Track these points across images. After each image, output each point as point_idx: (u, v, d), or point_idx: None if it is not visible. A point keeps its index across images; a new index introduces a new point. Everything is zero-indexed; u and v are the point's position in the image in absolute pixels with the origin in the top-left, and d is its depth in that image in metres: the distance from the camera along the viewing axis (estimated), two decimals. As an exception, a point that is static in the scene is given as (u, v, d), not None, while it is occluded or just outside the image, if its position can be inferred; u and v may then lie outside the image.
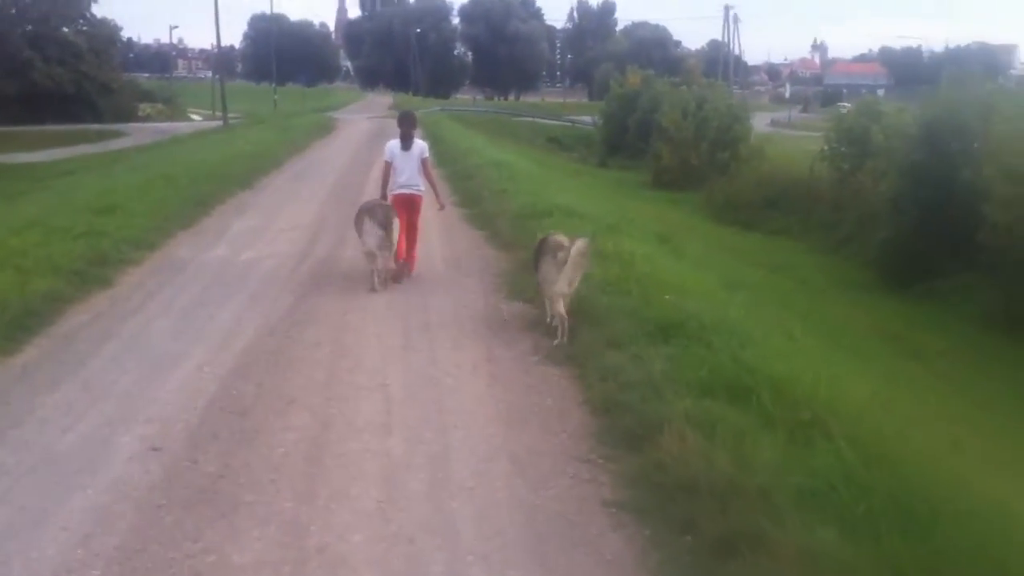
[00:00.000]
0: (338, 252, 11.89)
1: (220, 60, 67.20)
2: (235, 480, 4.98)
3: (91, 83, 66.98)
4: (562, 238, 8.05)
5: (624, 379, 6.37)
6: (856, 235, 29.25)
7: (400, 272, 10.34)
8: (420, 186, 10.67)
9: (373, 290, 9.74)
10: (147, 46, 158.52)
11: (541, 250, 8.08)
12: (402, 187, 10.52)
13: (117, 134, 54.69)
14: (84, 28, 69.12)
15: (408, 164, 10.51)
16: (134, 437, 5.54)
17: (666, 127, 45.57)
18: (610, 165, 55.78)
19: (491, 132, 54.66)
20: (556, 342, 7.74)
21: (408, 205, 10.55)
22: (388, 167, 10.58)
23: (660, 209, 36.40)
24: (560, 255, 7.71)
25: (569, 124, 78.73)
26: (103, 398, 6.22)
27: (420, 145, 10.73)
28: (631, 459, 5.26)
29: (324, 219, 14.52)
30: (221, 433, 5.63)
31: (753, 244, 31.00)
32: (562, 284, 7.71)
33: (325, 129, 40.46)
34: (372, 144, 29.16)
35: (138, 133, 53.87)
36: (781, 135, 58.31)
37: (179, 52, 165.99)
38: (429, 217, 12.94)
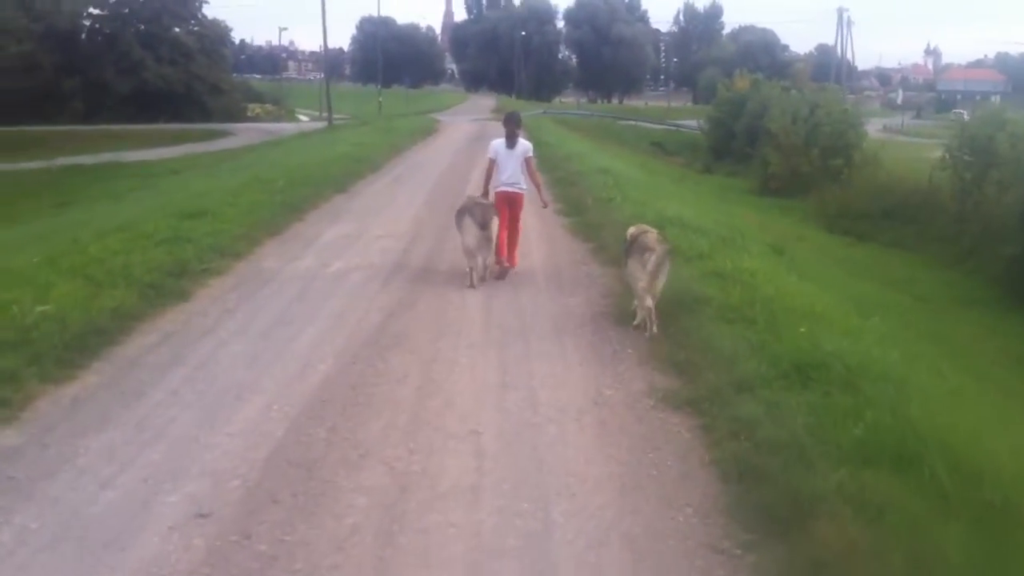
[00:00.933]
0: (433, 264, 11.06)
1: (328, 62, 66.97)
2: (290, 565, 4.11)
3: (201, 83, 68.29)
4: (652, 238, 8.44)
5: (760, 436, 5.34)
6: (978, 249, 27.43)
7: (502, 271, 10.46)
8: (522, 184, 10.84)
9: (471, 287, 9.85)
10: (259, 48, 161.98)
11: (631, 249, 8.48)
12: (504, 184, 10.73)
13: (224, 134, 55.30)
14: (195, 29, 70.47)
15: (511, 162, 10.71)
16: (181, 496, 4.72)
17: (775, 132, 43.91)
18: (715, 171, 54.25)
19: (595, 136, 53.76)
20: (647, 335, 7.98)
21: (510, 202, 10.76)
22: (492, 164, 10.79)
23: (769, 217, 34.93)
24: (647, 256, 8.11)
25: (673, 128, 77.24)
26: (155, 442, 5.42)
27: (524, 145, 10.94)
28: (777, 550, 4.23)
29: (420, 226, 13.75)
30: (282, 495, 4.75)
31: (867, 256, 29.49)
32: (647, 284, 8.06)
33: (427, 131, 39.94)
34: (473, 147, 28.46)
35: (245, 133, 54.37)
36: (894, 141, 55.87)
37: (289, 54, 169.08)
38: (530, 226, 12.48)
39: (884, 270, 27.00)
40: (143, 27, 67.25)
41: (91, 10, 68.29)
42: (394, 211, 15.30)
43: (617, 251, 11.12)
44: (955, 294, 24.32)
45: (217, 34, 72.91)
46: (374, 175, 20.78)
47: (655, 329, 7.95)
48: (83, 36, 68.21)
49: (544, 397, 6.42)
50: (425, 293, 9.53)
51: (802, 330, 7.22)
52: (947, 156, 33.03)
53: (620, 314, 8.68)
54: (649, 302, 8.02)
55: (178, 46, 67.10)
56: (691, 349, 7.20)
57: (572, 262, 11.35)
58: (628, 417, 6.06)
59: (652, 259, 8.06)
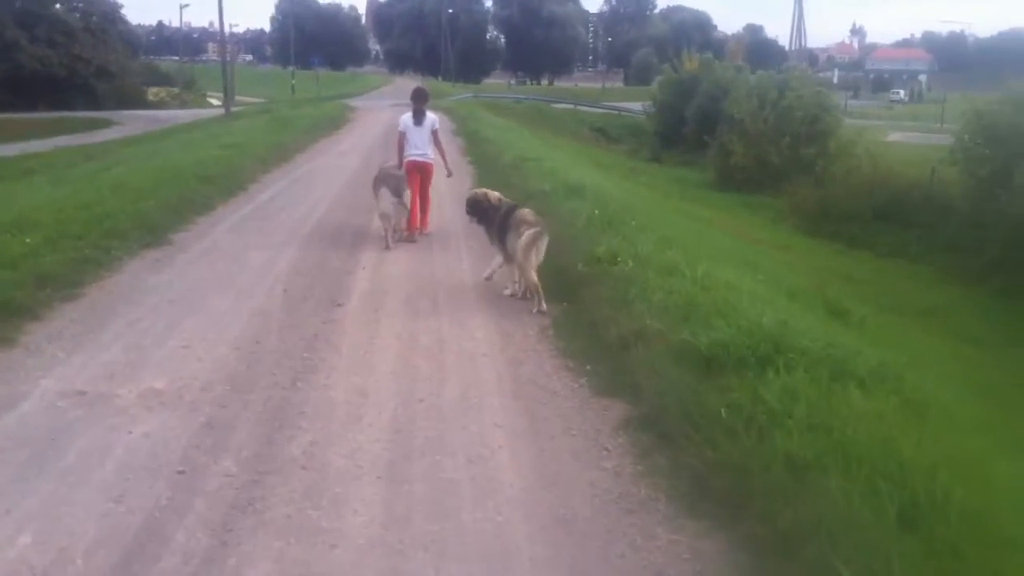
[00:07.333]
0: (281, 461, 4.20)
1: (222, 41, 58.31)
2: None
3: (86, 66, 60.26)
4: (526, 213, 8.49)
5: None
6: (1007, 261, 22.43)
7: (411, 236, 11.34)
8: (431, 155, 11.81)
9: (387, 248, 10.60)
10: (177, 29, 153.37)
11: (507, 224, 8.49)
12: (414, 155, 11.61)
13: (107, 123, 48.37)
14: (79, 6, 61.95)
15: (420, 136, 11.67)
16: None
17: (739, 118, 38.38)
18: (664, 160, 49.06)
19: (533, 123, 47.60)
20: (535, 309, 8.01)
21: (420, 171, 11.66)
22: (402, 137, 11.69)
23: (738, 219, 29.58)
24: (523, 229, 8.14)
25: (614, 112, 71.50)
26: None
27: (431, 118, 11.86)
28: None
29: (267, 328, 7.07)
30: None
31: (871, 271, 24.41)
32: (527, 257, 8.08)
33: (336, 121, 32.64)
34: (388, 145, 21.18)
35: (132, 122, 47.44)
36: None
37: (209, 35, 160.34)
38: (485, 341, 7.04)
39: (901, 292, 21.94)
40: (18, 4, 58.64)
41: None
42: (233, 290, 8.27)
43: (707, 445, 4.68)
44: (999, 327, 19.12)
45: (103, 12, 64.14)
46: (228, 204, 13.47)
47: (543, 305, 7.97)
48: (-47, 17, 59.54)
49: None
50: None
51: None
52: (959, 148, 27.90)
53: None
54: (534, 276, 8.08)
55: (57, 24, 58.50)
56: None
57: (591, 491, 4.60)
58: None
59: (528, 233, 8.08)
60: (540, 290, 8.00)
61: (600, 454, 4.95)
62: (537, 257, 8.09)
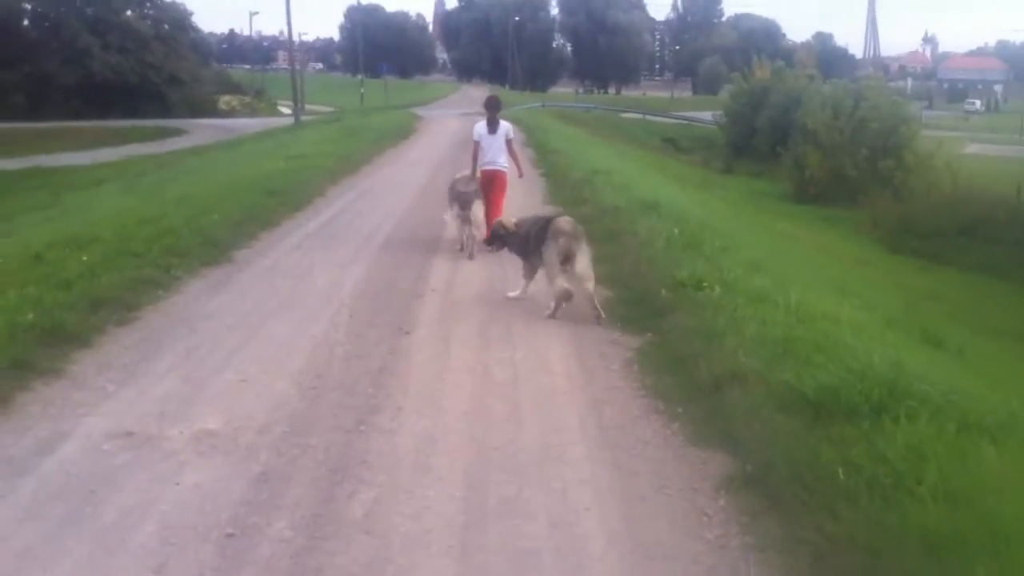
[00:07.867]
0: None
1: (291, 50, 58.23)
2: None
3: (157, 73, 60.76)
4: (564, 223, 8.33)
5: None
6: None
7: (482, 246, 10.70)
8: (504, 163, 11.63)
9: (460, 249, 10.94)
10: (248, 38, 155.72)
11: (544, 235, 8.26)
12: (488, 164, 11.50)
13: (177, 132, 48.72)
14: (150, 12, 62.59)
15: (494, 144, 11.50)
16: None
17: (813, 129, 37.50)
18: (736, 170, 48.09)
19: (602, 133, 47.00)
20: (547, 314, 8.14)
21: (493, 180, 11.48)
22: (477, 147, 11.51)
23: (818, 233, 28.58)
24: (561, 241, 8.02)
25: (683, 122, 70.59)
26: None
27: (505, 126, 11.60)
28: None
29: (330, 359, 6.57)
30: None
31: (959, 289, 23.28)
32: (565, 268, 8.00)
33: (403, 131, 32.29)
34: (458, 156, 20.48)
35: (200, 131, 47.63)
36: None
37: (279, 44, 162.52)
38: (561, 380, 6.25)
39: (994, 313, 21.10)
40: (90, 11, 59.37)
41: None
42: (282, 327, 7.49)
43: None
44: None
45: (174, 18, 64.70)
46: (293, 218, 13.02)
47: (603, 314, 7.94)
48: (25, 23, 60.52)
49: None
50: None
51: None
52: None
53: None
54: (561, 283, 8.03)
55: (129, 32, 59.07)
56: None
57: (693, 568, 3.97)
58: None
59: (562, 241, 8.01)
60: (563, 301, 8.04)
61: (700, 520, 4.34)
62: (582, 268, 7.97)
